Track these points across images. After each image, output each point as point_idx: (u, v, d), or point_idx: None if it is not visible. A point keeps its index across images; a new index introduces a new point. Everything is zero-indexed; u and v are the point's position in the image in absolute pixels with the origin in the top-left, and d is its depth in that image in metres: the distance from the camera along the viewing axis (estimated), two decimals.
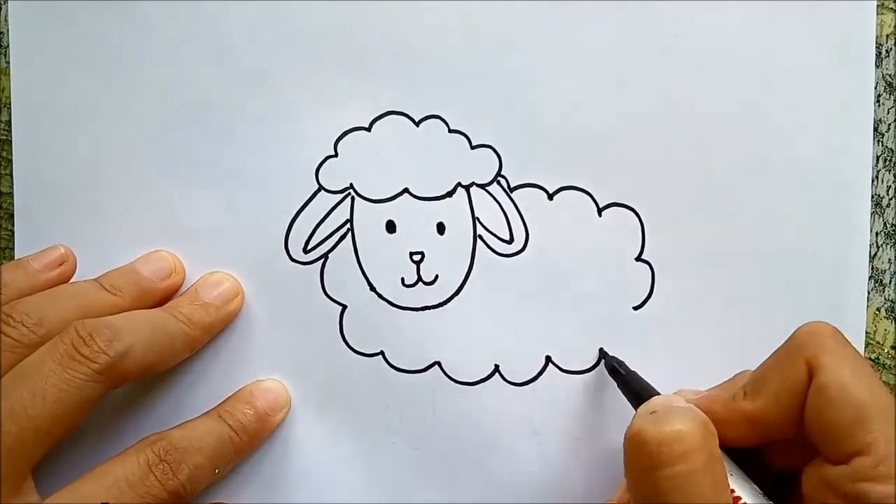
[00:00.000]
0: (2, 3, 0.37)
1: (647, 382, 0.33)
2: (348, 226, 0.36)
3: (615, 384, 0.35)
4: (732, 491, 0.28)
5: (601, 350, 0.36)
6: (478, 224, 0.36)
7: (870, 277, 0.36)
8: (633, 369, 0.34)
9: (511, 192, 0.36)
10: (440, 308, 0.36)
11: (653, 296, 0.36)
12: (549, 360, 0.36)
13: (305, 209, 0.36)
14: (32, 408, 0.30)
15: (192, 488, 0.32)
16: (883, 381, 0.34)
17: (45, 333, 0.32)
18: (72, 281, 0.35)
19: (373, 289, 0.36)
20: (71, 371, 0.30)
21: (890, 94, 0.37)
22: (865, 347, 0.36)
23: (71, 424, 0.31)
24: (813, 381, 0.28)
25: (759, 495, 0.29)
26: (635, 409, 0.31)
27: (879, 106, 0.36)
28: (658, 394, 0.32)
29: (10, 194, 0.37)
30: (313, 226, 0.36)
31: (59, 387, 0.30)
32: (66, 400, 0.30)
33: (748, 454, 0.30)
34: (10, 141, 0.36)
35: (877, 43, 0.36)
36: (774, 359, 0.30)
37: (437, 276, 0.36)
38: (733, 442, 0.30)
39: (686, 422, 0.27)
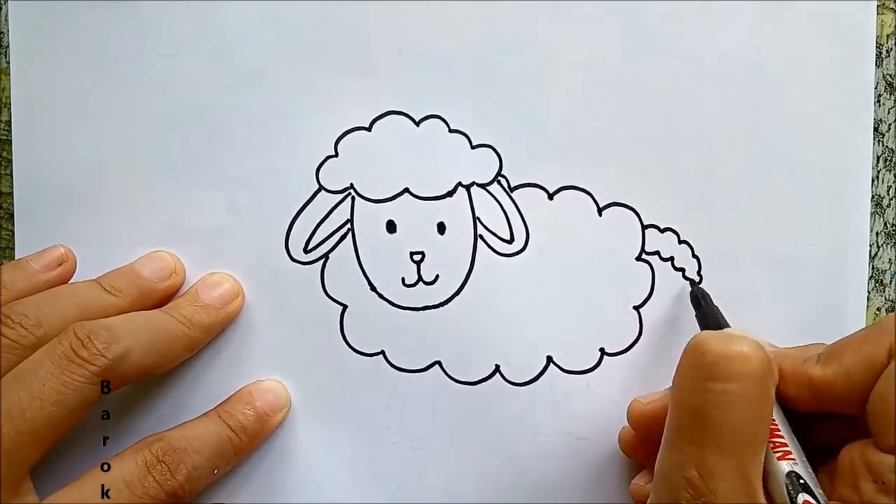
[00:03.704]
0: (2, 3, 0.37)
1: (725, 319, 0.33)
2: (349, 226, 0.36)
3: (615, 384, 0.35)
4: (781, 436, 0.28)
5: (690, 279, 0.35)
6: (478, 224, 0.36)
7: (870, 277, 0.36)
8: (716, 304, 0.34)
9: (511, 191, 0.36)
10: (441, 308, 0.36)
11: (653, 296, 0.36)
12: (549, 360, 0.36)
13: (306, 209, 0.36)
14: (30, 410, 0.30)
15: (191, 489, 0.32)
16: None
17: (44, 334, 0.32)
18: (71, 281, 0.35)
19: (373, 289, 0.36)
20: (69, 373, 0.30)
21: (890, 94, 0.37)
22: None
23: (69, 426, 0.31)
24: (889, 365, 0.27)
25: (802, 454, 0.29)
26: None
27: (879, 106, 0.36)
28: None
29: (10, 194, 0.37)
30: (314, 226, 0.36)
31: (57, 389, 0.30)
32: (64, 402, 0.30)
33: (794, 421, 0.30)
34: (10, 141, 0.36)
35: (877, 43, 0.36)
36: (857, 335, 0.29)
37: (437, 276, 0.36)
38: (790, 402, 0.30)
39: (754, 349, 0.27)
